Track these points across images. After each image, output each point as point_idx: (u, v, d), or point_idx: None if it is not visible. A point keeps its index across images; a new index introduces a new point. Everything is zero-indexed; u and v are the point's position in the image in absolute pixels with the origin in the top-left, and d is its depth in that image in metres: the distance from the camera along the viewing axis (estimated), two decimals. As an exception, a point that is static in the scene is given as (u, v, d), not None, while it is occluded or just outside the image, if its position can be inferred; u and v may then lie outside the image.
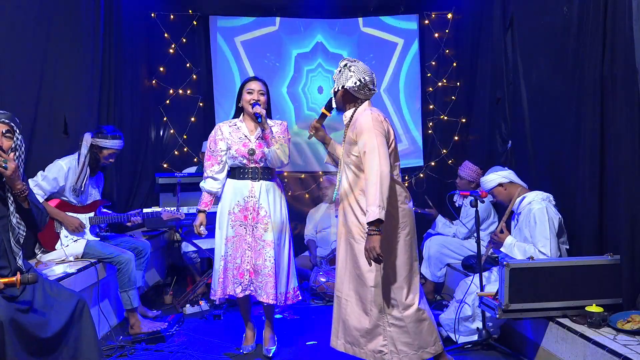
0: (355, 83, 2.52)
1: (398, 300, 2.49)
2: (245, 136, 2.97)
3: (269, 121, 2.98)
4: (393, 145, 2.55)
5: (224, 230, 2.96)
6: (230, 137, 2.97)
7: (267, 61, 5.39)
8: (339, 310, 2.62)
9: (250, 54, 5.37)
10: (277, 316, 3.79)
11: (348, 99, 2.61)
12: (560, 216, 3.05)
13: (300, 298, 3.09)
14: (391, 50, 5.43)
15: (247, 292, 2.93)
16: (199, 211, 3.03)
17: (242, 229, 2.95)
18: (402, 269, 2.52)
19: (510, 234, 3.12)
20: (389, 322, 2.47)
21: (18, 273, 2.15)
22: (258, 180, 2.96)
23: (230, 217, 2.96)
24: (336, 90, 2.60)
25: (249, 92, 2.96)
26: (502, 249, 3.09)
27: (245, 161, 2.94)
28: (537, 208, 3.00)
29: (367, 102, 2.60)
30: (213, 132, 3.03)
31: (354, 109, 2.60)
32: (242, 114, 3.04)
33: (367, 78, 2.55)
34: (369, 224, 2.31)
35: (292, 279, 3.06)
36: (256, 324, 3.25)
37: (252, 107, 2.91)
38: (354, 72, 2.54)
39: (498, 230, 3.14)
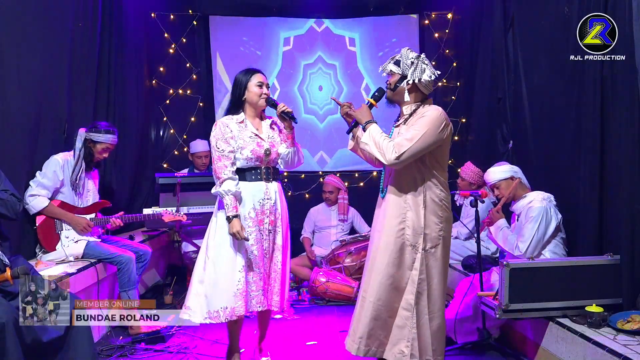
0: (431, 77, 2.42)
1: (429, 304, 2.43)
2: (256, 135, 2.71)
3: (274, 118, 2.82)
4: (448, 148, 2.50)
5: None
6: (240, 135, 2.68)
7: (284, 69, 5.53)
8: (361, 311, 2.49)
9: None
10: (277, 316, 3.80)
11: (415, 95, 2.48)
12: (561, 216, 3.06)
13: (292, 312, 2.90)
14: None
15: (263, 305, 2.69)
16: (233, 217, 2.59)
17: (259, 235, 2.69)
18: (440, 274, 2.45)
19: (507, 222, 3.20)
20: (416, 323, 2.41)
21: (7, 269, 2.14)
22: (271, 181, 2.74)
23: (247, 224, 2.66)
24: (410, 82, 2.42)
25: (259, 86, 2.70)
26: (491, 228, 3.17)
27: (258, 162, 2.70)
28: (539, 206, 3.01)
29: (429, 99, 2.52)
30: (219, 130, 2.67)
31: (416, 104, 2.47)
32: (243, 110, 2.76)
33: (438, 73, 2.47)
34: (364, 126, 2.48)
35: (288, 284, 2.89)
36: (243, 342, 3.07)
37: (270, 105, 2.72)
38: (427, 65, 2.43)
39: (496, 209, 3.18)
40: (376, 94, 2.55)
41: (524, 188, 3.20)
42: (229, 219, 2.60)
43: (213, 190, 2.67)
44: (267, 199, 2.71)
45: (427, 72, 2.41)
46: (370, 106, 2.53)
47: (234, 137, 2.67)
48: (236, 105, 2.75)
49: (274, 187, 2.76)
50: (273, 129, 2.81)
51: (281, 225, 2.78)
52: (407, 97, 2.46)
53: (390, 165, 2.36)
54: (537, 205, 3.01)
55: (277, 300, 2.74)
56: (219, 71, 5.39)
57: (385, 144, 2.35)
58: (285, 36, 5.49)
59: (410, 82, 2.42)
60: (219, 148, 2.65)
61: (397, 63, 2.46)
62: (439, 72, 2.49)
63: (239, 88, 2.73)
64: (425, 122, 2.35)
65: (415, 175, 2.42)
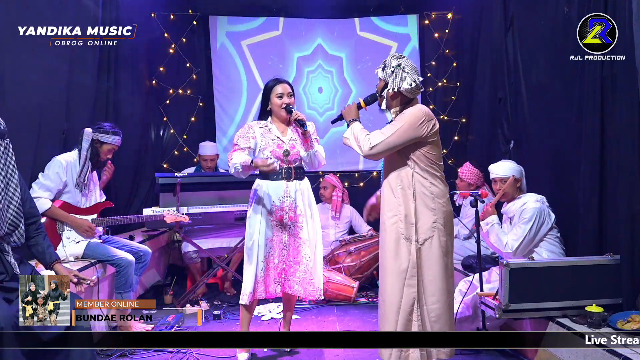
0: (411, 85, 2.47)
1: (429, 297, 2.45)
2: (278, 137, 3.00)
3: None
4: (436, 143, 2.53)
5: (263, 231, 2.96)
6: (263, 138, 2.98)
7: (270, 63, 5.52)
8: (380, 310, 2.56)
9: (255, 57, 5.54)
10: (277, 316, 3.80)
11: (399, 99, 2.55)
12: (554, 216, 3.08)
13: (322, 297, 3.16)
14: (386, 53, 5.50)
15: (283, 290, 3.02)
16: (252, 161, 2.83)
17: (278, 229, 2.99)
18: (438, 266, 2.46)
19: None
20: (418, 317, 2.43)
21: None
22: (292, 180, 3.00)
23: (269, 219, 2.98)
24: (391, 91, 2.51)
25: (278, 97, 2.98)
26: (482, 222, 3.17)
27: (279, 162, 2.96)
28: (533, 207, 3.03)
29: (415, 100, 2.58)
30: (244, 130, 3.00)
31: (401, 107, 2.55)
32: (269, 116, 3.05)
33: (419, 79, 2.52)
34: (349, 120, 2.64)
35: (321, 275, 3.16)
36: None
37: (287, 112, 2.97)
38: (408, 72, 2.48)
39: (490, 205, 3.19)
40: (368, 98, 2.68)
41: (520, 190, 3.21)
42: (252, 162, 2.84)
43: (231, 171, 2.90)
44: (287, 196, 2.98)
45: (407, 81, 2.48)
46: (359, 107, 2.67)
47: (255, 138, 2.98)
48: (264, 113, 3.07)
49: (295, 185, 3.00)
50: (297, 132, 3.04)
51: (305, 220, 3.01)
52: (391, 103, 2.57)
53: (365, 156, 2.53)
54: (531, 206, 3.03)
55: (310, 289, 3.00)
56: (222, 73, 5.43)
57: (362, 137, 2.52)
58: (296, 55, 5.54)
59: (391, 91, 2.52)
60: (237, 143, 2.97)
61: (384, 68, 2.56)
62: (421, 79, 2.54)
63: (264, 99, 3.05)
64: (401, 118, 2.48)
65: (402, 170, 2.51)
